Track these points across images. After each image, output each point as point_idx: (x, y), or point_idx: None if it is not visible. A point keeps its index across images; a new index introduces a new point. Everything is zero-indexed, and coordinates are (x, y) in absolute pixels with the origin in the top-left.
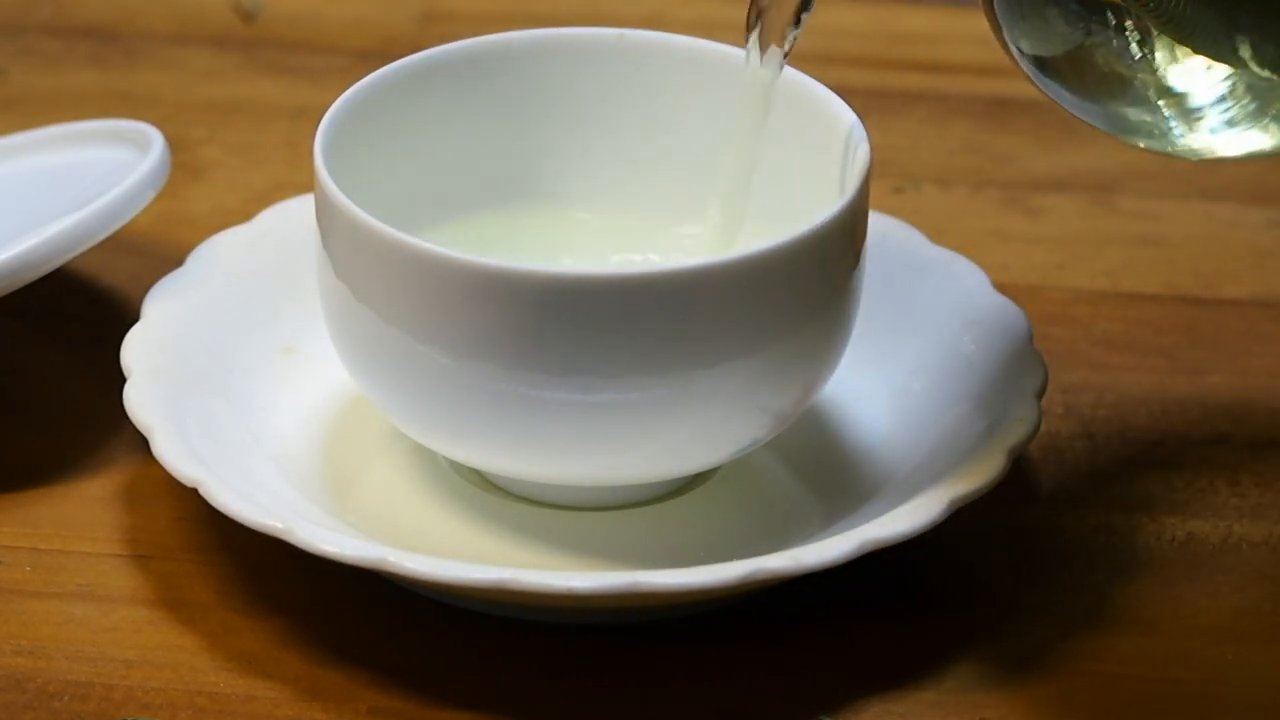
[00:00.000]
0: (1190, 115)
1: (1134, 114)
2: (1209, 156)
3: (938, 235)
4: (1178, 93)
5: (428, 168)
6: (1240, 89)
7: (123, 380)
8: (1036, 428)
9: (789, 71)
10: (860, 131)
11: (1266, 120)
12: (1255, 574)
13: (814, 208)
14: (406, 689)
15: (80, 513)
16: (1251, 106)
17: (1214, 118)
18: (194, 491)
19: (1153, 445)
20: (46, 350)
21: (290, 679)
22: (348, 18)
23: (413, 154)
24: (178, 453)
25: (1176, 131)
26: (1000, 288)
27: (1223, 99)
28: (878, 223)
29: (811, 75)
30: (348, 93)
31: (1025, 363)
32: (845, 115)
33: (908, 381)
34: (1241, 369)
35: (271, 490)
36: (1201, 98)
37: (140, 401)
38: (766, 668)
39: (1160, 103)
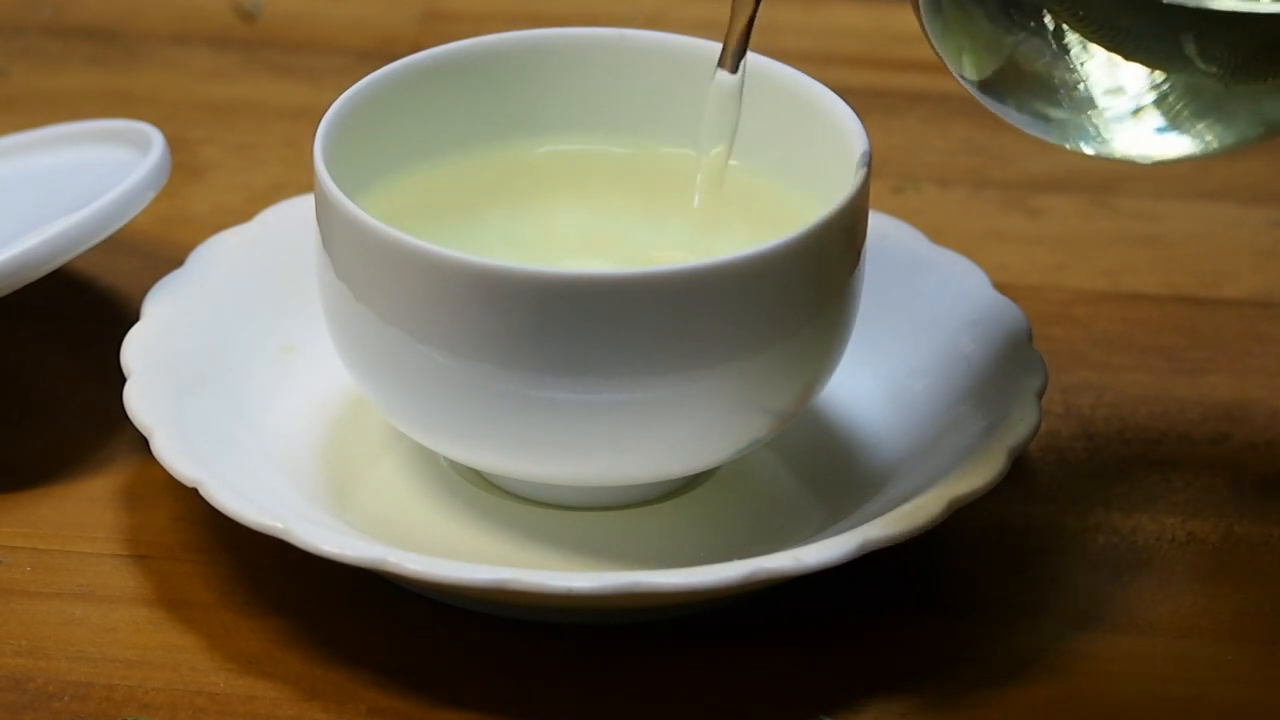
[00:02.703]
0: (1129, 119)
1: (1076, 120)
2: (1157, 159)
3: (938, 235)
4: (1114, 96)
5: (427, 167)
6: (1179, 89)
7: (123, 380)
8: (1036, 428)
9: (790, 71)
10: (860, 131)
11: (1210, 119)
12: (1255, 574)
13: (813, 208)
14: (406, 689)
15: (80, 513)
16: (1193, 106)
17: (1153, 120)
18: (194, 491)
19: (1153, 445)
20: (46, 350)
21: (290, 679)
22: (348, 18)
23: (413, 154)
24: (178, 453)
25: (1118, 136)
26: (1000, 288)
27: (1162, 100)
28: (878, 223)
29: (811, 75)
30: (348, 93)
31: (1025, 363)
32: (845, 115)
33: (907, 381)
34: (1241, 369)
35: (271, 490)
36: (1139, 100)
37: (140, 401)
38: (767, 668)
39: (1100, 107)
